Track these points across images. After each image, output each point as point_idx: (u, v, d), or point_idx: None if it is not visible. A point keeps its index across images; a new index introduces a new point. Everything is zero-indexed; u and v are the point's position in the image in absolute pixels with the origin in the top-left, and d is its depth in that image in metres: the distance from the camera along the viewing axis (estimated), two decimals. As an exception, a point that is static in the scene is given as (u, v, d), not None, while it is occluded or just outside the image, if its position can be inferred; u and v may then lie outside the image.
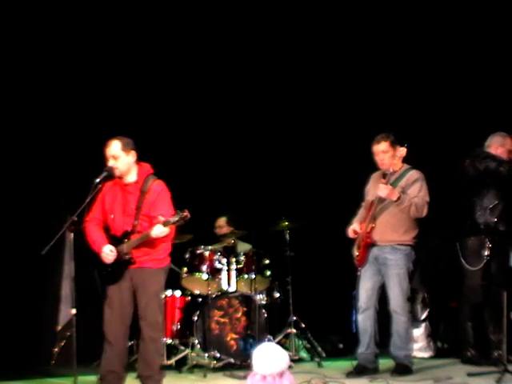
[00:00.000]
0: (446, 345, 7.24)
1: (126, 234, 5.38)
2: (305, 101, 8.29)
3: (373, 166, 6.24)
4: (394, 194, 5.91)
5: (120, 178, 5.42)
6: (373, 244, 6.04)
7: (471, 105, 7.57)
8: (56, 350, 7.14)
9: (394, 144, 6.05)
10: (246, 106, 8.29)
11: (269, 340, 6.83)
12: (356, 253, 6.14)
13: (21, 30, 7.27)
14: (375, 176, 6.28)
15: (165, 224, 5.15)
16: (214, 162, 8.29)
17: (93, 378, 5.73)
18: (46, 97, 7.48)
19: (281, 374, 4.29)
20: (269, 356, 4.31)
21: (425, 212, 6.00)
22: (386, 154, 6.05)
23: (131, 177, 5.42)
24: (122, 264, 5.36)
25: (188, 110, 8.20)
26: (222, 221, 7.84)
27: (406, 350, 6.02)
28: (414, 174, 6.09)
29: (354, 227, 6.15)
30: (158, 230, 5.16)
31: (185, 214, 5.15)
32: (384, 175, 6.09)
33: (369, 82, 8.04)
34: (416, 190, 6.01)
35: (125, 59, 7.81)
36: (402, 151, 5.87)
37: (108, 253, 5.31)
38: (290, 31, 8.03)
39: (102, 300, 5.39)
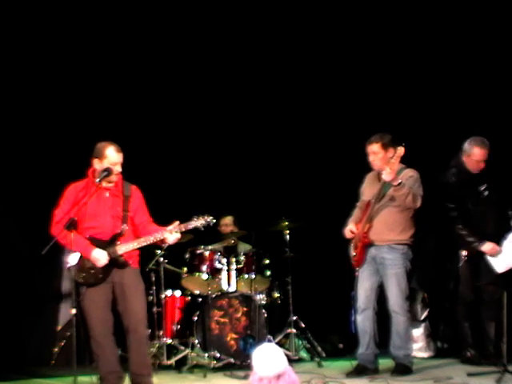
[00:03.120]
0: (446, 345, 7.23)
1: (116, 237, 5.40)
2: (305, 102, 8.28)
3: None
4: (396, 179, 5.87)
5: (109, 181, 5.45)
6: (370, 244, 6.04)
7: (472, 106, 7.56)
8: (56, 349, 7.14)
9: (387, 146, 6.01)
10: (247, 109, 8.28)
11: (269, 340, 6.83)
12: (353, 253, 6.14)
13: (17, 32, 7.28)
14: (370, 176, 6.27)
15: (186, 228, 5.39)
16: (213, 162, 8.29)
17: (93, 379, 5.73)
18: (45, 99, 7.49)
19: (278, 377, 4.26)
20: (265, 358, 4.28)
21: (419, 203, 5.97)
22: (377, 155, 6.04)
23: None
24: (110, 266, 5.36)
25: (193, 114, 8.21)
26: (228, 219, 7.85)
27: (405, 349, 6.02)
28: (408, 171, 6.07)
29: (351, 227, 6.15)
30: (175, 237, 5.41)
31: (210, 218, 5.43)
32: (380, 175, 6.09)
33: (370, 82, 8.03)
34: (411, 184, 6.00)
35: (120, 60, 7.81)
36: (400, 151, 5.83)
37: (100, 257, 5.30)
38: (287, 32, 8.02)
39: (77, 302, 5.37)
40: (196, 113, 8.24)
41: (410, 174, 6.05)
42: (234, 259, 7.18)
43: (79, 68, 7.63)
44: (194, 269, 7.14)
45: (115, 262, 5.36)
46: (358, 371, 6.04)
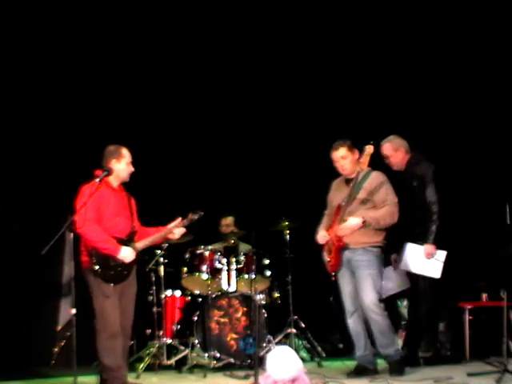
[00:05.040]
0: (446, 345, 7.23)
1: (133, 235, 5.63)
2: (304, 103, 8.29)
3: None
4: (357, 224, 5.85)
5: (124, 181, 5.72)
6: (344, 247, 6.01)
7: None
8: (56, 349, 7.14)
9: (352, 148, 6.04)
10: (247, 109, 8.29)
11: (269, 340, 6.83)
12: (327, 258, 6.12)
13: (22, 33, 7.29)
14: (336, 183, 6.26)
15: (189, 222, 5.82)
16: (213, 162, 8.29)
17: (93, 378, 5.73)
18: (46, 98, 7.49)
19: (292, 381, 4.25)
20: (281, 361, 4.27)
21: (396, 216, 5.97)
22: (346, 159, 6.03)
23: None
24: (132, 264, 5.57)
25: (194, 114, 8.22)
26: (229, 220, 7.85)
27: (393, 345, 5.99)
28: (376, 176, 6.01)
29: (323, 233, 6.13)
30: (181, 231, 5.83)
31: (202, 213, 5.87)
32: (347, 181, 6.09)
33: (369, 83, 8.04)
34: (383, 193, 5.96)
35: (123, 61, 7.82)
36: (369, 149, 5.81)
37: (130, 254, 5.50)
38: (289, 32, 8.04)
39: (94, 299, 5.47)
40: (196, 114, 8.25)
41: (379, 179, 5.97)
42: (234, 259, 7.18)
43: (95, 69, 7.65)
44: (194, 269, 7.14)
45: (137, 259, 5.61)
46: (358, 371, 6.03)
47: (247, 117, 8.29)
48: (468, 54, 7.60)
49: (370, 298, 5.93)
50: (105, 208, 5.52)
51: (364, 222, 5.86)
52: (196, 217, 5.85)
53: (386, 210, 5.95)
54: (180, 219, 5.81)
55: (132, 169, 5.68)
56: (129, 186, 5.79)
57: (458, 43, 7.61)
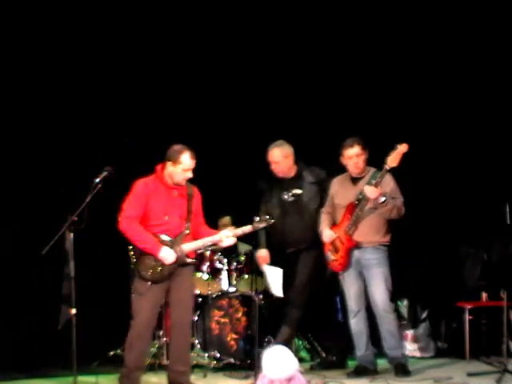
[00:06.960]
0: (446, 345, 7.24)
1: (182, 236, 5.54)
2: (304, 103, 8.28)
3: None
4: (380, 197, 5.86)
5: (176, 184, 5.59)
6: (356, 247, 6.01)
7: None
8: (56, 349, 7.13)
9: (365, 146, 6.06)
10: (247, 108, 8.28)
11: (269, 340, 6.83)
12: (333, 257, 6.12)
13: (24, 31, 7.29)
14: (340, 181, 6.25)
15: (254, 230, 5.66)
16: (213, 161, 8.28)
17: (93, 378, 5.73)
18: (46, 97, 7.48)
19: (289, 380, 4.25)
20: (277, 361, 4.27)
21: (403, 213, 6.00)
22: (360, 157, 6.05)
23: None
24: (176, 264, 5.51)
25: (193, 113, 8.21)
26: (226, 220, 7.83)
27: (401, 348, 6.03)
28: (386, 176, 5.95)
29: (330, 233, 6.12)
30: (232, 241, 5.63)
31: (272, 221, 5.66)
32: (353, 180, 6.09)
33: (369, 84, 8.04)
34: (394, 192, 5.99)
35: (123, 60, 7.80)
36: (403, 147, 5.77)
37: (170, 255, 5.43)
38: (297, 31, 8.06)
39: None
40: (196, 113, 8.23)
41: (387, 178, 5.95)
42: (234, 259, 7.18)
43: (93, 70, 7.64)
44: (195, 269, 7.13)
45: (181, 261, 5.52)
46: (358, 372, 6.05)
47: (246, 115, 8.27)
48: (467, 54, 7.61)
49: (383, 297, 5.95)
50: (154, 205, 5.46)
51: (384, 201, 5.85)
52: (262, 225, 5.68)
53: (399, 202, 5.96)
54: (232, 228, 5.72)
55: (189, 176, 5.52)
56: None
57: (458, 43, 7.61)
